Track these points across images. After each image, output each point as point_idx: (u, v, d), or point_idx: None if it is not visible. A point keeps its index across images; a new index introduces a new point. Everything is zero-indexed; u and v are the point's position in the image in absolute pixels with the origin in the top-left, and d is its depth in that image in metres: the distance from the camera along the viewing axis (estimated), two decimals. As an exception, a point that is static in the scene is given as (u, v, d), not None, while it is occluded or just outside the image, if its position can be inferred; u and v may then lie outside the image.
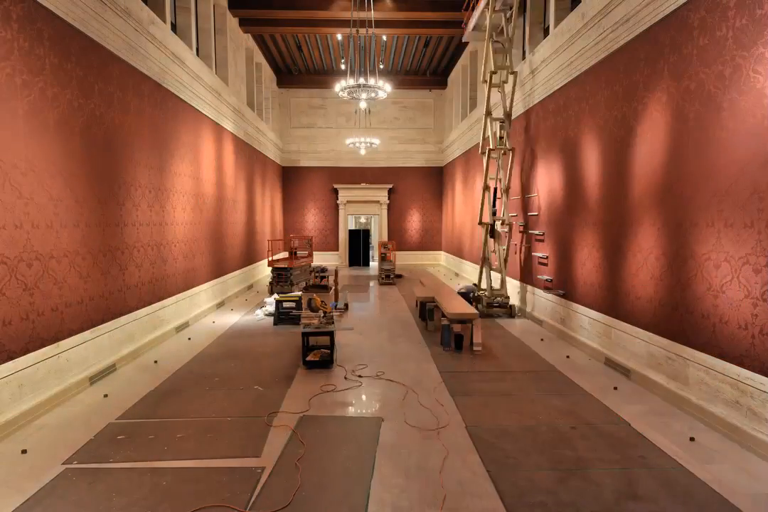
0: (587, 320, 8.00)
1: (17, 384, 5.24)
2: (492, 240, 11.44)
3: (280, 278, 13.15)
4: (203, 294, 11.27)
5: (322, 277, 15.19)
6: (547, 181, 9.81)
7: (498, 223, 11.21)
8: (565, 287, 8.90)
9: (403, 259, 22.41)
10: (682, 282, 5.70)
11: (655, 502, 3.77)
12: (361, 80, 11.85)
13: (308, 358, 7.07)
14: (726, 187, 5.02)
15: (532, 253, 10.50)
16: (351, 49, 16.36)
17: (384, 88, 11.95)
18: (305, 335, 7.17)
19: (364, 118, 19.82)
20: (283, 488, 3.95)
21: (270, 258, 13.88)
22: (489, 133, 11.23)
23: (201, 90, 10.96)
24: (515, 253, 11.72)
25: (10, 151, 5.24)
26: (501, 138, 11.19)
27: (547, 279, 9.64)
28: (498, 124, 11.21)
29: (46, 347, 5.74)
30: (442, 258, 22.70)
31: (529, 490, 3.91)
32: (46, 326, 5.75)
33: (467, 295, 10.90)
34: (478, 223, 11.69)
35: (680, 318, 5.74)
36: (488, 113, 11.20)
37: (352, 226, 23.32)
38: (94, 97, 6.86)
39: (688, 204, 5.62)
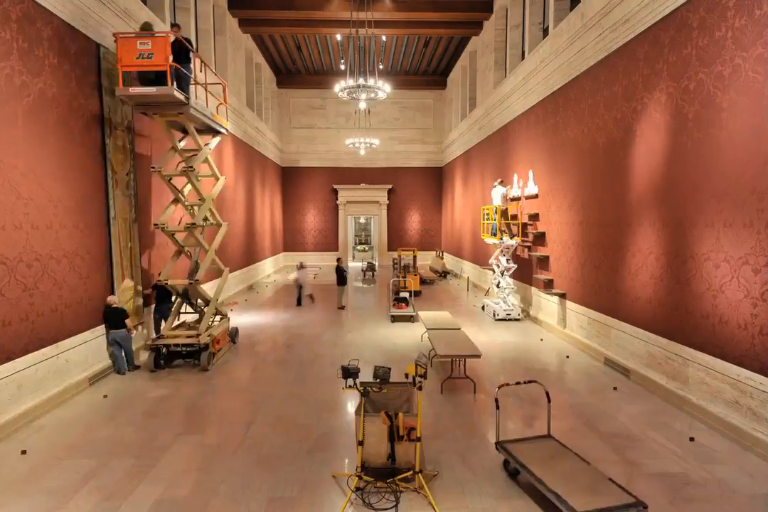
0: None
1: (17, 385, 5.24)
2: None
3: None
4: (203, 295, 11.24)
5: None
6: (545, 182, 9.82)
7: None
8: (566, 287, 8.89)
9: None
10: (682, 283, 5.70)
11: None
12: (361, 80, 11.84)
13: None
14: (725, 187, 5.02)
15: (531, 253, 10.52)
16: (351, 49, 16.36)
17: (384, 88, 11.94)
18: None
19: (363, 119, 19.81)
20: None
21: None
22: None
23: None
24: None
25: (10, 152, 5.24)
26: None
27: (546, 279, 9.64)
28: None
29: (46, 348, 5.73)
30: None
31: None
32: (45, 327, 5.74)
33: None
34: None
35: (680, 318, 5.74)
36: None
37: (351, 226, 23.21)
38: (95, 97, 6.85)
39: (687, 204, 5.61)
